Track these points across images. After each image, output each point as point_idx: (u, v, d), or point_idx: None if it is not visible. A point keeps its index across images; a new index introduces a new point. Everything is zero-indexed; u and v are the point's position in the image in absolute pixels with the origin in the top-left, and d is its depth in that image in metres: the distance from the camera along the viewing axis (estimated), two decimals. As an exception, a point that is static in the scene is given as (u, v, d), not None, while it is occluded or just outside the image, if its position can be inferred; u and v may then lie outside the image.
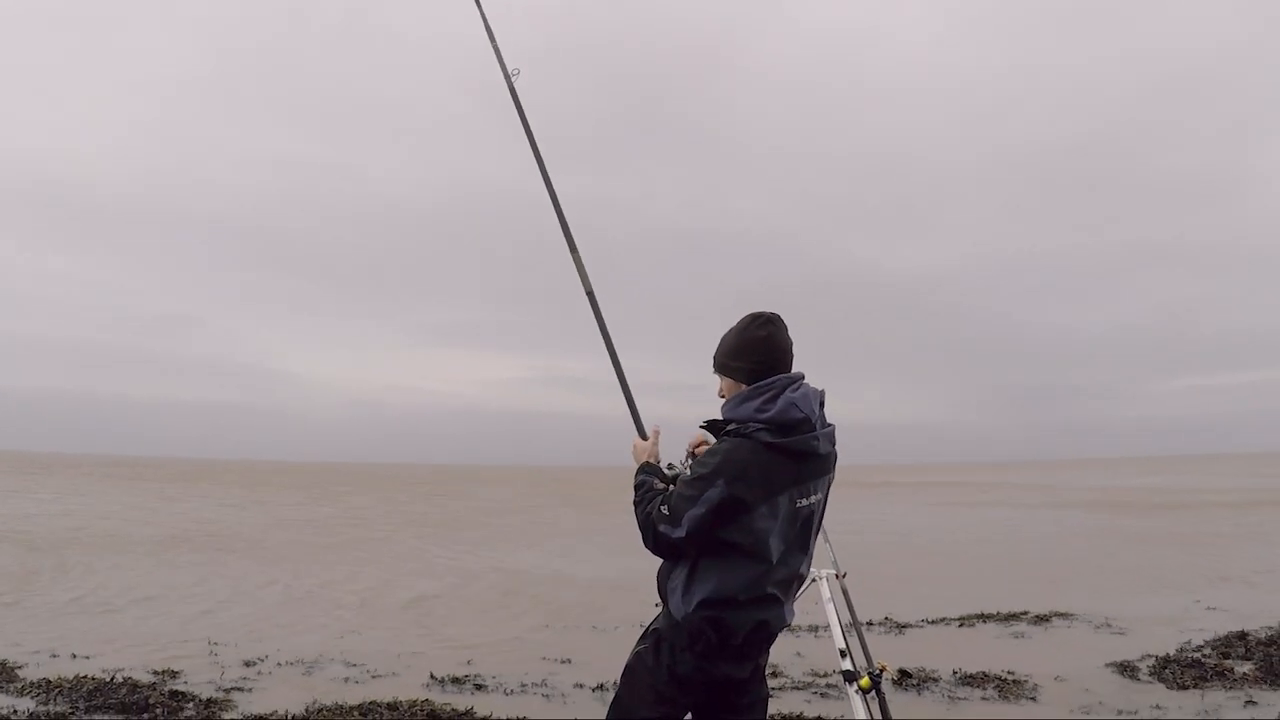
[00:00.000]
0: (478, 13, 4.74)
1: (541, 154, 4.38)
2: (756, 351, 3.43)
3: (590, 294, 4.08)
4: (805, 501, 3.38)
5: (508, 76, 4.53)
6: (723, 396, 3.53)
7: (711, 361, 3.57)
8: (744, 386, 3.42)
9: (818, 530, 3.55)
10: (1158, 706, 7.16)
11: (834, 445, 3.48)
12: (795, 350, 3.47)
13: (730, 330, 3.54)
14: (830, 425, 3.46)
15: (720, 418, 3.47)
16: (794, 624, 9.66)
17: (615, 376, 4.04)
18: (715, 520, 3.24)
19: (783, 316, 3.49)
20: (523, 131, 4.41)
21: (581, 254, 4.18)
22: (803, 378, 3.45)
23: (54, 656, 9.02)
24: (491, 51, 4.59)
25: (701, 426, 3.55)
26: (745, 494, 3.23)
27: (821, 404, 3.43)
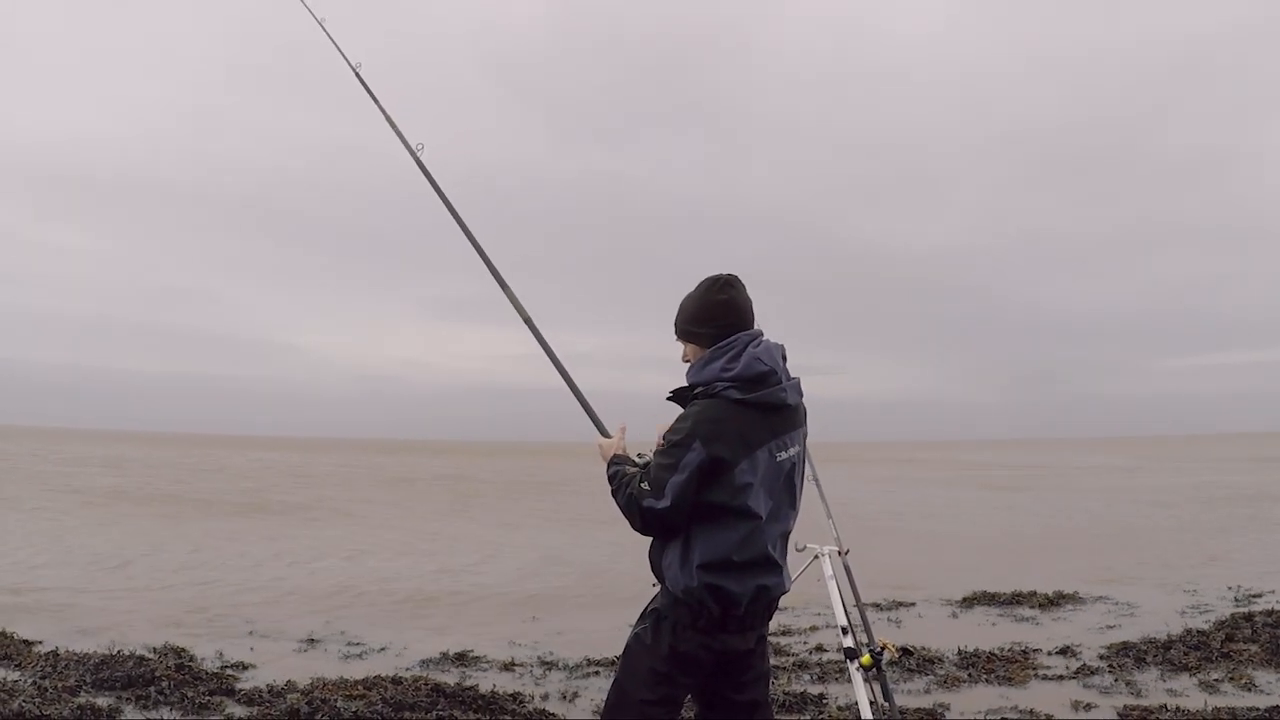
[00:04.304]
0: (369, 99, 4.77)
1: (458, 211, 4.41)
2: (718, 315, 3.42)
3: (529, 322, 4.11)
4: (784, 455, 3.37)
5: (413, 152, 4.54)
6: (686, 361, 3.52)
7: (673, 328, 3.56)
8: (707, 350, 3.42)
9: (801, 484, 3.54)
10: (1168, 690, 7.14)
11: (801, 396, 3.48)
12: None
13: (689, 295, 3.51)
14: (795, 378, 3.46)
15: (686, 385, 3.46)
16: (794, 603, 9.77)
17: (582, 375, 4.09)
18: (698, 484, 3.22)
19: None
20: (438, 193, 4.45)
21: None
22: (763, 334, 3.46)
23: (64, 629, 9.07)
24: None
25: (668, 398, 3.53)
26: (724, 452, 3.22)
27: (784, 357, 3.44)
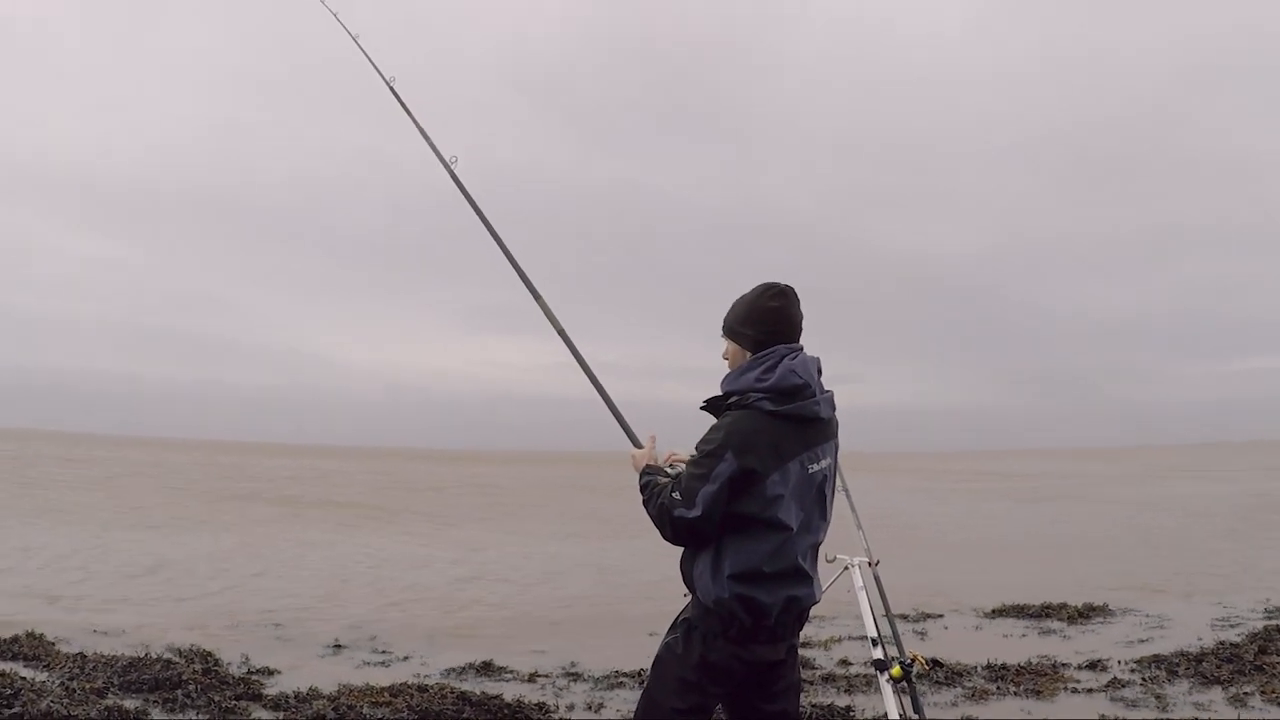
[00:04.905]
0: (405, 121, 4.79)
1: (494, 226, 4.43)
2: (767, 320, 3.45)
3: (562, 333, 4.14)
4: (815, 467, 3.39)
5: (448, 166, 4.55)
6: (726, 358, 3.55)
7: (721, 325, 3.59)
8: (749, 353, 3.44)
9: (832, 497, 3.56)
10: (1198, 703, 7.06)
11: (834, 410, 3.50)
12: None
13: (743, 297, 3.55)
14: (829, 391, 3.48)
15: (720, 393, 3.48)
16: (823, 613, 9.73)
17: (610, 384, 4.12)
18: (729, 494, 3.24)
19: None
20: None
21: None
22: (802, 348, 3.47)
23: (94, 632, 9.13)
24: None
25: (701, 407, 3.55)
26: (755, 464, 3.24)
27: (819, 371, 3.46)
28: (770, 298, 3.47)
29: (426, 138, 4.61)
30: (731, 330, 3.54)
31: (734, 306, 3.56)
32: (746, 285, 3.55)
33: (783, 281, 3.52)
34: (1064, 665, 8.23)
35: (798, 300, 3.50)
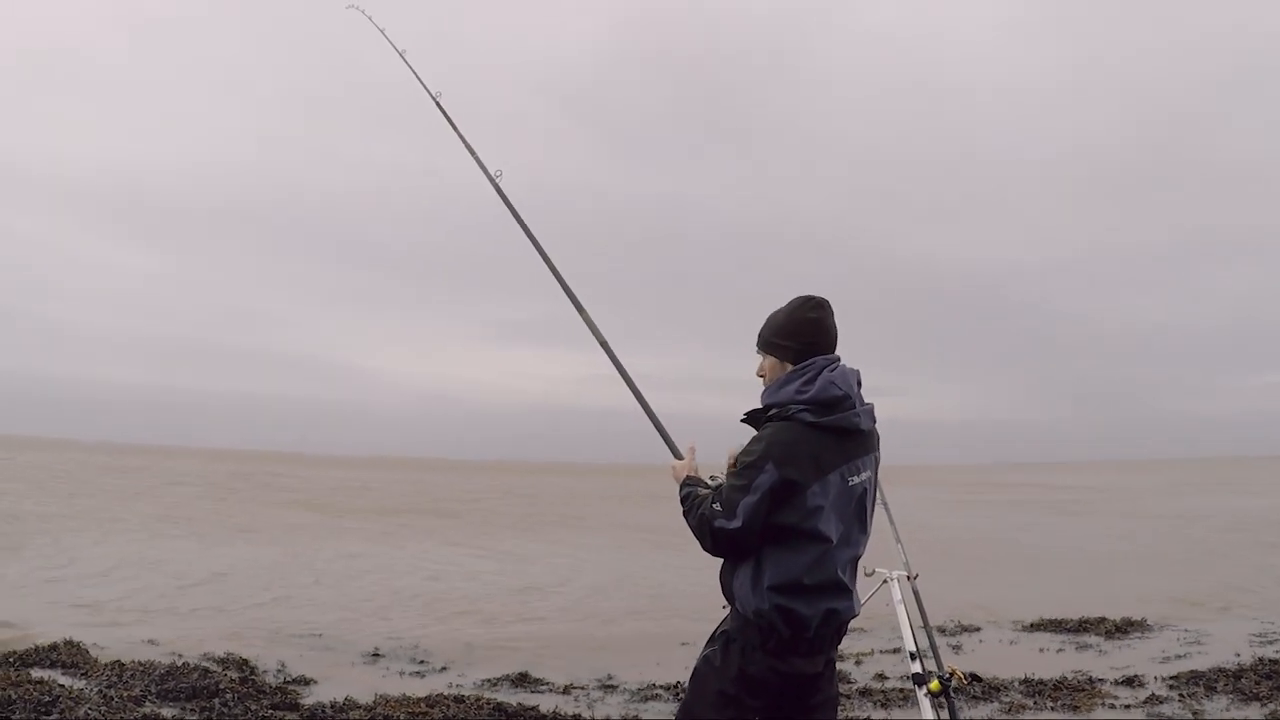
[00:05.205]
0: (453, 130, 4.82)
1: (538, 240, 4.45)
2: (805, 333, 3.47)
3: (604, 345, 4.15)
4: (856, 479, 3.39)
5: (493, 180, 4.58)
6: (761, 375, 3.56)
7: (756, 339, 3.60)
8: (787, 365, 3.46)
9: (873, 509, 3.55)
10: (1234, 720, 6.99)
11: (875, 422, 3.51)
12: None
13: (780, 310, 3.56)
14: (869, 403, 3.48)
15: (760, 406, 3.49)
16: (859, 626, 9.69)
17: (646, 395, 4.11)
18: (770, 506, 3.25)
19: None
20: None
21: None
22: (840, 360, 3.48)
23: (134, 641, 9.22)
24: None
25: (742, 420, 3.55)
26: (796, 475, 3.25)
27: (859, 383, 3.46)
28: (808, 310, 3.49)
29: (472, 152, 4.65)
30: (768, 344, 3.55)
31: (769, 320, 3.57)
32: (783, 298, 3.57)
33: (817, 294, 3.54)
34: (1101, 680, 8.16)
35: (833, 312, 3.52)
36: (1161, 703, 7.46)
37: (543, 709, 7.13)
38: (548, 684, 8.19)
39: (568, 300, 4.24)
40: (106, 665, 7.87)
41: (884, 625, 10.02)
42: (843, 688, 7.89)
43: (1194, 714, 7.12)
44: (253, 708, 6.92)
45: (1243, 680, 7.96)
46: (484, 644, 10.01)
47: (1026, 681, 8.01)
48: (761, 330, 3.58)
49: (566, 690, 8.00)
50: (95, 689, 7.13)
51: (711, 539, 3.35)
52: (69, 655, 8.18)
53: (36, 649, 8.28)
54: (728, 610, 3.48)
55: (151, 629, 9.99)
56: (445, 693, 7.51)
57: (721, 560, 3.48)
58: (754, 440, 3.38)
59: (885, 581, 4.98)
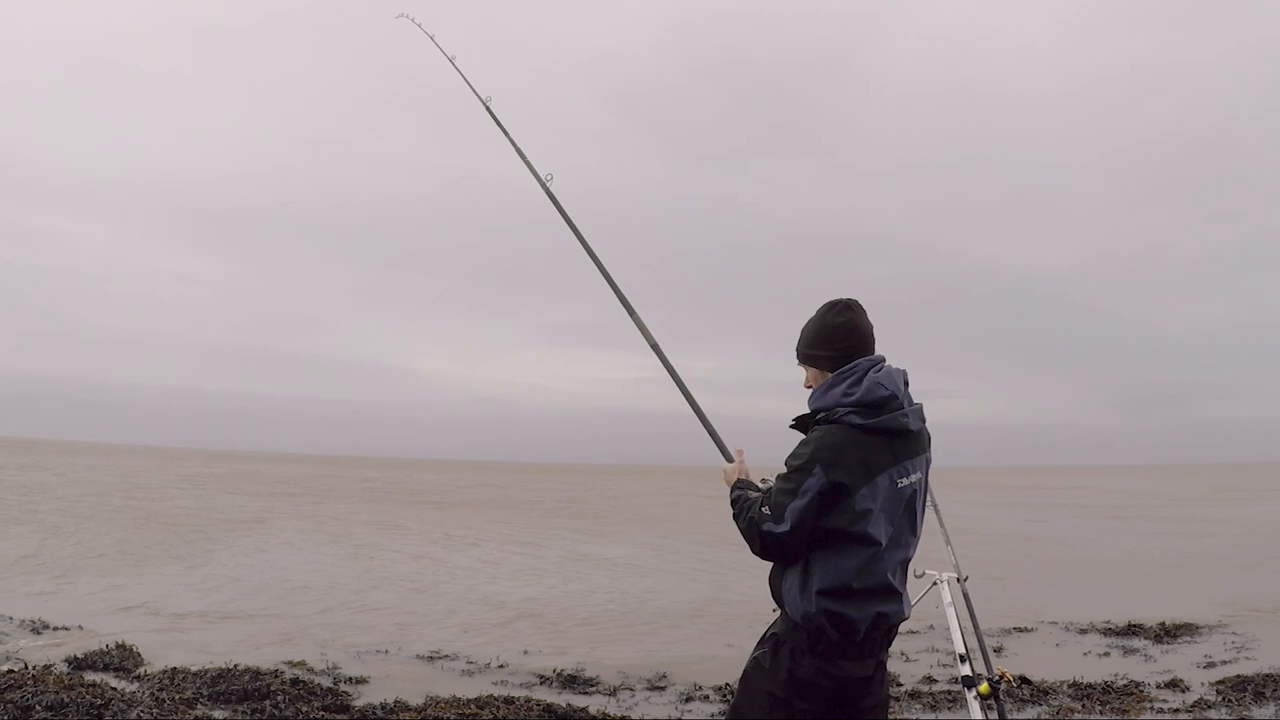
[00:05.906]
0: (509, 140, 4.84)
1: (589, 243, 4.47)
2: (838, 338, 3.44)
3: (656, 348, 4.15)
4: (905, 481, 3.35)
5: (543, 184, 4.60)
6: (809, 387, 3.53)
7: (795, 354, 3.58)
8: (829, 374, 3.43)
9: (923, 511, 3.51)
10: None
11: (924, 423, 3.46)
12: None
13: (809, 320, 3.55)
14: (918, 403, 3.44)
15: (808, 411, 3.46)
16: (911, 628, 9.64)
17: (694, 395, 4.12)
18: (819, 509, 3.23)
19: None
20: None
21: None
22: (884, 359, 3.45)
23: (188, 644, 9.35)
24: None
25: (791, 425, 3.54)
26: (844, 478, 3.21)
27: (906, 383, 3.42)
28: (836, 314, 3.47)
29: (523, 156, 4.68)
30: (806, 356, 3.53)
31: (803, 333, 3.56)
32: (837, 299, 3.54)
33: (860, 297, 3.52)
34: (1148, 684, 8.10)
35: (863, 311, 3.49)
36: (1209, 708, 7.40)
37: (591, 710, 7.17)
38: (597, 685, 8.23)
39: (617, 302, 4.25)
40: (160, 669, 7.97)
41: (934, 627, 9.98)
42: (892, 690, 7.86)
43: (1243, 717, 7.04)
44: (304, 709, 7.00)
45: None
46: (534, 644, 10.07)
47: (1075, 684, 7.96)
48: (797, 343, 3.57)
49: (614, 692, 8.03)
50: (147, 692, 7.21)
51: (760, 542, 3.34)
52: (120, 659, 8.31)
53: (90, 653, 8.42)
54: (778, 613, 3.47)
55: (207, 633, 10.13)
56: (495, 694, 7.56)
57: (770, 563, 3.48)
58: (801, 444, 3.36)
59: (935, 584, 4.96)
